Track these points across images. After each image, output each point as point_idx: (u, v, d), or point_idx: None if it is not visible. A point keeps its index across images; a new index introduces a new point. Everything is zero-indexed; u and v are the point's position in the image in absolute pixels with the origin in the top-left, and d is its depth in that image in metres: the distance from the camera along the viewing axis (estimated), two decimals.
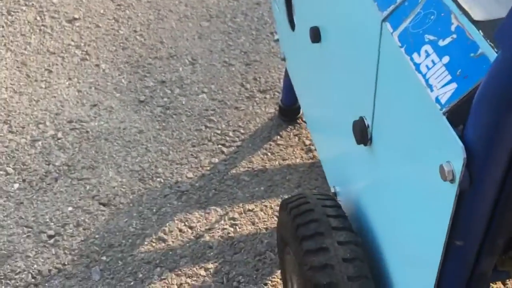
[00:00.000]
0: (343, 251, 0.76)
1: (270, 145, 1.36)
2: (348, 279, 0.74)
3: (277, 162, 1.33)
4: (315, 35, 0.89)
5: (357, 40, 0.72)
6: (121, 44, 1.64)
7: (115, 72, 1.56)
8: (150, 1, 1.79)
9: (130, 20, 1.72)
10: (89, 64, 1.59)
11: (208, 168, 1.32)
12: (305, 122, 1.40)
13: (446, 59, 0.54)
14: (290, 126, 1.40)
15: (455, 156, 0.49)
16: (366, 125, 0.73)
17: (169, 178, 1.30)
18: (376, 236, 0.77)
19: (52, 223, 1.21)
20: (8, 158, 1.35)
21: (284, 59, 1.27)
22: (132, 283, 1.11)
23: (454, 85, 0.51)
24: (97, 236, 1.19)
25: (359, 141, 0.74)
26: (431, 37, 0.56)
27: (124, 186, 1.29)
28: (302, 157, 1.33)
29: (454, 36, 0.54)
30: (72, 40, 1.66)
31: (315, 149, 1.33)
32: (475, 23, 0.53)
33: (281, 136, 1.38)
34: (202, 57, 1.60)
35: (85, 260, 1.15)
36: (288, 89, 1.33)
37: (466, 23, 0.53)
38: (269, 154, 1.34)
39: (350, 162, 0.86)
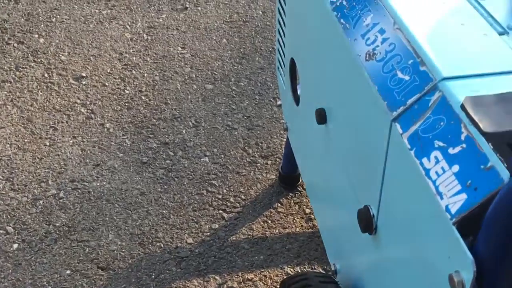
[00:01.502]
0: None
1: (271, 212, 1.37)
2: None
3: (277, 230, 1.33)
4: (321, 117, 0.92)
5: (366, 133, 0.75)
6: (126, 104, 1.67)
7: (119, 132, 1.58)
8: (156, 62, 1.83)
9: (136, 80, 1.76)
10: (94, 123, 1.61)
11: (208, 233, 1.32)
12: (305, 189, 1.41)
13: (455, 168, 0.55)
14: (291, 194, 1.41)
15: (465, 267, 0.51)
16: (372, 214, 0.74)
17: (169, 243, 1.30)
18: None
19: (50, 287, 1.20)
20: (8, 216, 1.35)
21: (286, 129, 1.29)
22: None
23: (464, 196, 0.53)
24: None
25: (363, 230, 0.75)
26: (441, 144, 0.58)
27: (123, 250, 1.29)
28: (302, 226, 1.34)
29: (464, 145, 0.56)
30: (78, 98, 1.69)
31: (315, 218, 1.34)
32: (485, 134, 0.55)
33: (281, 204, 1.39)
34: (205, 119, 1.62)
35: None
36: (289, 157, 1.35)
37: (476, 134, 0.55)
38: (269, 221, 1.35)
39: (352, 244, 0.87)
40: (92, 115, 1.63)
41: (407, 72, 0.66)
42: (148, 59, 1.84)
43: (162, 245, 1.30)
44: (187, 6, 2.10)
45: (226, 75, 1.78)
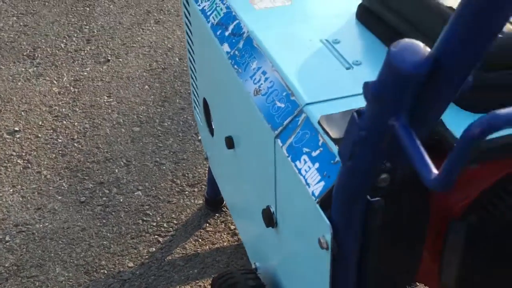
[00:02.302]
0: None
1: (201, 232, 1.57)
2: None
3: (207, 247, 1.53)
4: (229, 143, 1.14)
5: (260, 149, 0.97)
6: (60, 152, 1.83)
7: (56, 177, 1.73)
8: (84, 111, 2.00)
9: (68, 129, 1.92)
10: (31, 172, 1.75)
11: (147, 256, 1.50)
12: (228, 209, 1.62)
13: (317, 165, 0.79)
14: (217, 214, 1.62)
15: (326, 231, 0.73)
16: (272, 212, 0.96)
17: (112, 269, 1.46)
18: None
19: None
20: None
21: (207, 158, 1.51)
22: None
23: (322, 183, 0.76)
24: None
25: (267, 225, 0.97)
26: (307, 150, 0.81)
27: (71, 280, 1.43)
28: (229, 240, 1.54)
29: (321, 149, 0.79)
30: (14, 151, 1.83)
31: (239, 233, 1.55)
32: (333, 140, 0.79)
33: (209, 224, 1.59)
34: (135, 158, 1.81)
35: None
36: (212, 183, 1.56)
37: (328, 140, 0.79)
38: (200, 240, 1.54)
39: (264, 241, 1.08)
40: (29, 165, 1.78)
41: (282, 101, 0.90)
42: (77, 109, 2.01)
43: (105, 271, 1.46)
44: (109, 58, 2.30)
45: (151, 118, 1.98)
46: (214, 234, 1.56)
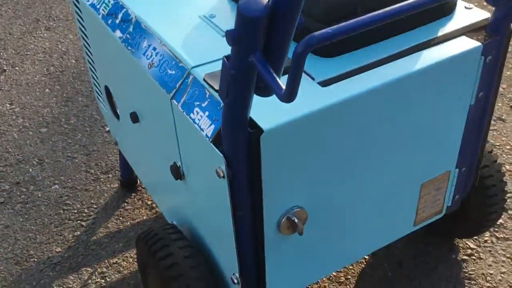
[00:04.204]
0: (183, 252, 1.13)
1: (120, 211, 1.70)
2: (190, 268, 1.11)
3: (128, 223, 1.66)
4: (134, 118, 1.29)
5: (161, 113, 1.14)
6: None
7: None
8: None
9: None
10: None
11: (73, 240, 1.61)
12: (143, 188, 1.76)
13: (207, 113, 0.96)
14: (133, 194, 1.75)
15: (221, 162, 0.91)
16: (178, 165, 1.13)
17: (41, 256, 1.56)
18: (202, 236, 1.16)
19: None
20: None
21: (116, 143, 1.64)
22: None
23: (213, 126, 0.94)
24: None
25: (176, 178, 1.14)
26: (198, 103, 0.99)
27: (2, 272, 1.52)
28: (147, 214, 1.69)
29: (209, 100, 0.97)
30: None
31: (156, 206, 1.70)
32: (217, 91, 0.96)
33: (127, 203, 1.73)
34: (47, 156, 1.90)
35: None
36: (124, 165, 1.70)
37: (213, 92, 0.97)
38: (121, 218, 1.68)
39: (176, 197, 1.25)
40: None
41: (173, 69, 1.07)
42: None
43: (35, 259, 1.55)
44: (5, 68, 2.34)
45: (56, 117, 2.07)
46: (133, 211, 1.70)
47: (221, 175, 0.92)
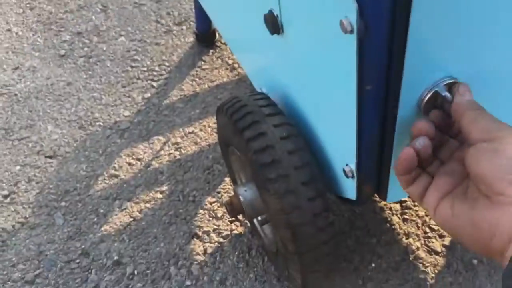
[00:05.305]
0: (279, 132, 0.86)
1: (196, 71, 1.43)
2: (288, 153, 0.85)
3: (206, 86, 1.40)
4: None
5: None
6: (28, 5, 1.63)
7: (28, 33, 1.56)
8: None
9: None
10: (0, 31, 1.57)
11: (143, 103, 1.38)
12: (224, 43, 1.47)
13: None
14: (211, 50, 1.47)
15: (350, 10, 0.59)
16: (276, 15, 0.82)
17: (107, 120, 1.35)
18: (304, 112, 0.88)
19: (4, 184, 1.25)
20: None
21: None
22: (95, 219, 1.18)
23: None
24: (51, 186, 1.24)
25: (272, 31, 0.83)
26: None
27: (66, 137, 1.33)
28: (228, 76, 1.42)
29: None
30: None
31: (239, 66, 1.42)
32: None
33: (204, 61, 1.45)
34: (112, 2, 1.62)
35: (45, 209, 1.20)
36: (201, 17, 1.39)
37: None
38: (197, 79, 1.42)
39: (269, 57, 0.95)
40: None
41: None
42: None
43: (101, 124, 1.35)
44: None
45: None
46: (212, 71, 1.43)
47: (349, 29, 0.61)
